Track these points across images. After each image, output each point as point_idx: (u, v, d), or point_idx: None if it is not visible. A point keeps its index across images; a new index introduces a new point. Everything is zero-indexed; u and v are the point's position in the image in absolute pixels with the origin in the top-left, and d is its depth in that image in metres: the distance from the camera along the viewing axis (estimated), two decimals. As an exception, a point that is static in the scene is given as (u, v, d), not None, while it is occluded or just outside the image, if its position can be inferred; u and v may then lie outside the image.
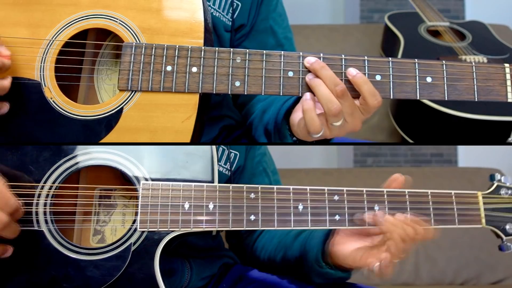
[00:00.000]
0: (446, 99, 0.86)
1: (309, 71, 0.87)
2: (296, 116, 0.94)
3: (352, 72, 0.85)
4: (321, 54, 0.87)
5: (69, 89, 0.93)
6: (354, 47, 2.37)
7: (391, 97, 0.86)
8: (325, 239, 0.94)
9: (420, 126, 1.87)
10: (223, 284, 1.10)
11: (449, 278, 1.95)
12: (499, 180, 0.95)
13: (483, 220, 0.91)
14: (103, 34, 0.97)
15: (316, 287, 1.02)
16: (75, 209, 0.93)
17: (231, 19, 1.10)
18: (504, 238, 0.91)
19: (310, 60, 0.87)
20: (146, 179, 0.88)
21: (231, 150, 1.09)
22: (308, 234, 1.00)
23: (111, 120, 0.88)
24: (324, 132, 0.88)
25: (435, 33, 2.15)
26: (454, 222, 0.90)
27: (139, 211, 0.86)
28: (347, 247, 0.91)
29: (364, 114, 0.87)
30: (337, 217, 0.89)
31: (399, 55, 2.01)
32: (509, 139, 1.63)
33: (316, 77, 0.86)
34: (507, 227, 0.91)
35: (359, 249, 0.89)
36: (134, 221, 0.87)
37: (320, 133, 0.87)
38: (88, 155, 0.89)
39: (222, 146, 1.08)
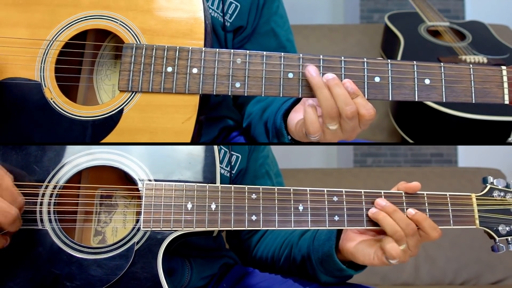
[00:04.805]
0: (444, 100, 0.87)
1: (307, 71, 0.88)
2: (294, 116, 0.95)
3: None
4: (321, 56, 0.88)
5: (68, 90, 0.94)
6: (354, 47, 2.38)
7: (390, 98, 0.86)
8: (338, 235, 0.95)
9: (420, 126, 1.87)
10: (223, 284, 1.10)
11: (449, 278, 1.95)
12: (492, 183, 0.97)
13: (477, 221, 0.93)
14: (102, 34, 0.98)
15: (319, 286, 1.02)
16: (78, 208, 0.94)
17: (222, 15, 1.10)
18: (497, 239, 0.93)
19: (328, 76, 0.86)
20: (150, 180, 0.89)
21: (232, 153, 1.10)
22: (315, 232, 1.01)
23: (111, 121, 0.88)
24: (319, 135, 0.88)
25: (435, 33, 2.15)
26: (449, 223, 0.92)
27: (142, 210, 0.87)
28: (355, 243, 0.92)
29: (361, 128, 0.88)
30: (336, 218, 0.90)
31: (399, 55, 2.01)
32: (509, 139, 1.64)
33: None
34: (500, 228, 0.93)
35: (363, 242, 0.91)
36: (137, 221, 0.87)
37: (318, 135, 0.88)
38: (91, 156, 0.90)
39: (224, 148, 1.08)
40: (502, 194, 0.95)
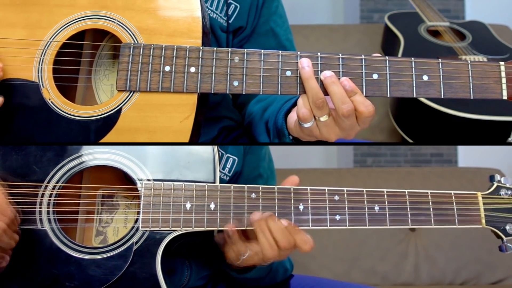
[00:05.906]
0: (442, 97, 0.86)
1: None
2: (294, 115, 0.94)
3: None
4: (319, 53, 0.87)
5: (67, 90, 0.94)
6: (354, 47, 2.37)
7: (388, 95, 0.86)
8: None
9: (420, 126, 1.87)
10: (222, 285, 1.10)
11: (449, 278, 1.95)
12: (499, 181, 0.95)
13: (483, 221, 0.92)
14: (100, 34, 0.98)
15: None
16: (78, 208, 0.94)
17: (226, 19, 1.10)
18: (505, 238, 0.91)
19: (326, 74, 0.86)
20: (149, 180, 0.89)
21: (229, 155, 1.10)
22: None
23: (110, 121, 0.88)
24: (314, 129, 0.88)
25: (435, 33, 2.15)
26: (454, 222, 0.91)
27: (141, 210, 0.87)
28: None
29: (360, 126, 0.87)
30: (337, 217, 0.89)
31: (399, 55, 2.00)
32: (509, 139, 1.63)
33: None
34: (507, 227, 0.91)
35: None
36: (136, 221, 0.87)
37: (309, 122, 0.88)
38: (92, 156, 0.90)
39: (220, 150, 1.08)
40: (509, 192, 0.94)
